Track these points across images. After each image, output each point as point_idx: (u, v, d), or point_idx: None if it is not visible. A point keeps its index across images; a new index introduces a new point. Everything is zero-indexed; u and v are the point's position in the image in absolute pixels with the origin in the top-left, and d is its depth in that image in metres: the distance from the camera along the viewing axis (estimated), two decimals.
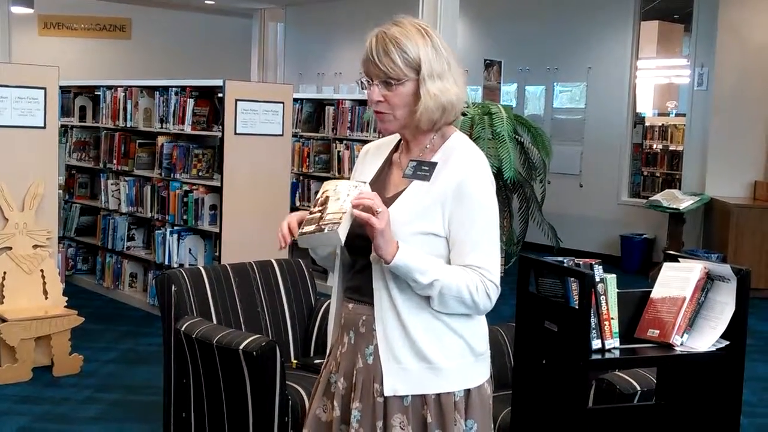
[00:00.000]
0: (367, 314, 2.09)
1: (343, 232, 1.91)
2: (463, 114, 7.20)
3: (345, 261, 2.17)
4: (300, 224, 2.02)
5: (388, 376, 2.05)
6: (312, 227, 1.94)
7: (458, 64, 2.09)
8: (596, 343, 2.43)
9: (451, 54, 2.08)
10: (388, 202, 2.04)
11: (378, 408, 2.06)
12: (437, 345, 2.04)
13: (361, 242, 1.98)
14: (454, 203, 2.01)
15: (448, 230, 2.03)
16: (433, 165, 2.05)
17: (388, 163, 2.18)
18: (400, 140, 2.19)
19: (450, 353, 2.06)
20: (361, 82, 2.08)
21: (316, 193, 7.59)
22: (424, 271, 1.97)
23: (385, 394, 2.05)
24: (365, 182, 2.01)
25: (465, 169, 2.04)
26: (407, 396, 2.06)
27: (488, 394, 2.15)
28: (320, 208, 1.97)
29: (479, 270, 2.01)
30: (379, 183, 2.13)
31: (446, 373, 2.05)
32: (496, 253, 2.06)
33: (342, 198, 1.96)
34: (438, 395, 2.05)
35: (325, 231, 1.90)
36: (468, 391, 2.08)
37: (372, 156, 2.24)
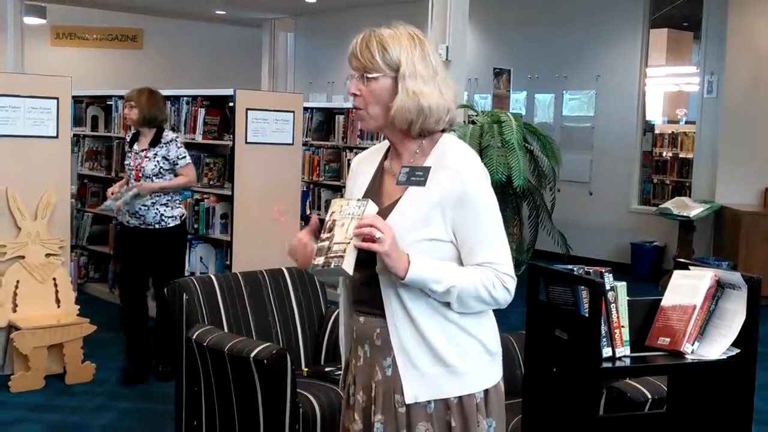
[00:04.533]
0: (380, 327, 2.08)
1: (349, 265, 1.91)
2: (473, 122, 7.21)
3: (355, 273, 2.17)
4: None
5: (407, 384, 2.05)
6: (321, 259, 1.94)
7: (449, 77, 2.10)
8: (607, 351, 2.43)
9: (441, 67, 2.10)
10: (385, 211, 2.04)
11: (401, 418, 2.06)
12: (454, 348, 2.05)
13: (365, 255, 1.96)
14: (456, 208, 2.01)
15: (452, 234, 2.03)
16: (427, 170, 2.04)
17: (379, 171, 2.18)
18: (389, 148, 2.19)
19: (467, 355, 2.07)
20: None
21: (327, 201, 7.59)
22: (439, 279, 1.98)
23: (406, 402, 2.05)
24: (367, 200, 2.00)
25: (461, 171, 2.03)
26: (430, 404, 2.06)
27: (503, 392, 2.17)
28: (328, 234, 1.96)
29: (492, 266, 2.02)
30: (372, 192, 2.13)
31: (465, 375, 2.06)
32: (505, 245, 2.07)
33: (347, 223, 1.95)
34: (460, 399, 2.06)
35: (332, 265, 1.91)
36: (486, 391, 2.10)
37: (363, 166, 2.23)
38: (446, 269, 2.00)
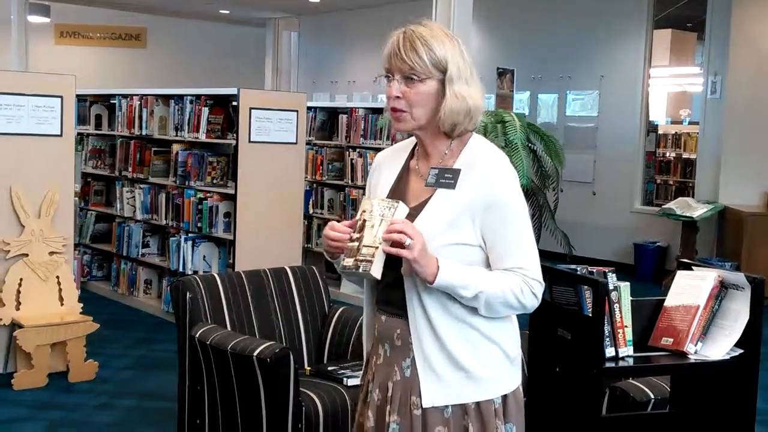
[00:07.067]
0: (401, 327, 2.07)
1: (377, 270, 1.90)
2: None
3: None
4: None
5: (426, 388, 2.04)
6: (351, 261, 1.92)
7: (477, 75, 2.08)
8: (610, 351, 2.44)
9: (473, 64, 2.07)
10: (413, 212, 2.01)
11: (416, 421, 2.05)
12: (473, 354, 2.03)
13: (391, 256, 1.93)
14: (486, 213, 1.99)
15: (481, 239, 2.01)
16: (457, 172, 2.01)
17: (405, 170, 2.14)
18: (415, 146, 2.16)
19: (487, 361, 2.05)
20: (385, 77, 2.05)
21: (330, 200, 7.54)
22: (467, 285, 1.96)
23: (424, 406, 2.04)
24: (399, 202, 1.97)
25: (491, 175, 2.01)
26: (447, 408, 2.04)
27: (522, 396, 2.15)
28: (358, 235, 1.94)
29: (521, 271, 2.00)
30: (398, 192, 2.10)
31: (484, 381, 2.04)
32: (533, 250, 2.04)
33: (376, 224, 1.92)
34: (478, 404, 2.04)
35: (360, 269, 1.90)
36: (505, 396, 2.08)
37: (388, 164, 2.19)
38: (475, 275, 1.97)
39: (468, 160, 2.04)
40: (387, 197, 2.07)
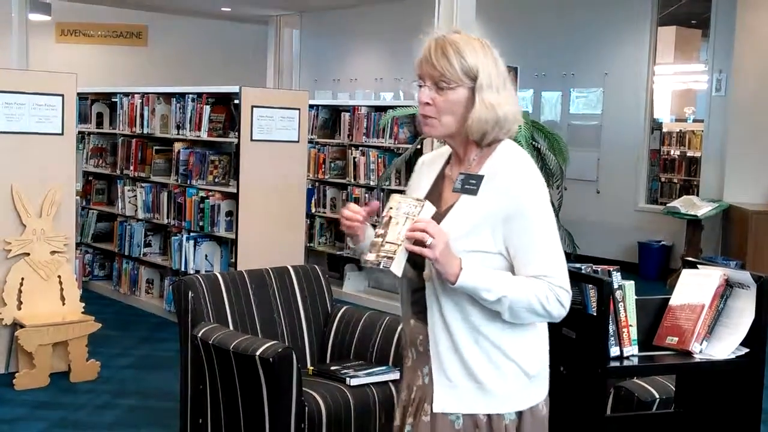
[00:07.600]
0: (423, 334, 2.08)
1: (398, 267, 1.90)
2: None
3: (409, 275, 2.12)
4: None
5: (438, 394, 2.04)
6: (373, 256, 1.93)
7: (512, 84, 2.06)
8: (614, 351, 2.42)
9: (506, 72, 2.05)
10: (438, 217, 2.00)
11: (424, 427, 2.05)
12: (489, 366, 2.02)
13: (419, 257, 1.94)
14: (506, 224, 1.97)
15: (503, 247, 1.99)
16: (480, 178, 2.00)
17: (441, 176, 2.15)
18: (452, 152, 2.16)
19: (501, 375, 2.02)
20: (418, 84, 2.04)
21: (332, 199, 7.54)
22: (489, 289, 1.94)
23: (434, 411, 2.04)
24: (425, 200, 1.97)
25: (511, 185, 1.99)
26: (459, 419, 2.03)
27: (543, 415, 2.10)
28: (383, 231, 1.94)
29: (546, 279, 1.97)
30: (433, 197, 2.09)
31: (496, 394, 2.02)
32: (560, 257, 2.01)
33: (401, 222, 1.93)
34: (489, 418, 2.02)
35: (381, 265, 1.90)
36: (520, 413, 2.05)
37: (427, 168, 2.20)
38: (498, 279, 1.96)
39: (493, 167, 2.03)
40: (421, 198, 2.07)
